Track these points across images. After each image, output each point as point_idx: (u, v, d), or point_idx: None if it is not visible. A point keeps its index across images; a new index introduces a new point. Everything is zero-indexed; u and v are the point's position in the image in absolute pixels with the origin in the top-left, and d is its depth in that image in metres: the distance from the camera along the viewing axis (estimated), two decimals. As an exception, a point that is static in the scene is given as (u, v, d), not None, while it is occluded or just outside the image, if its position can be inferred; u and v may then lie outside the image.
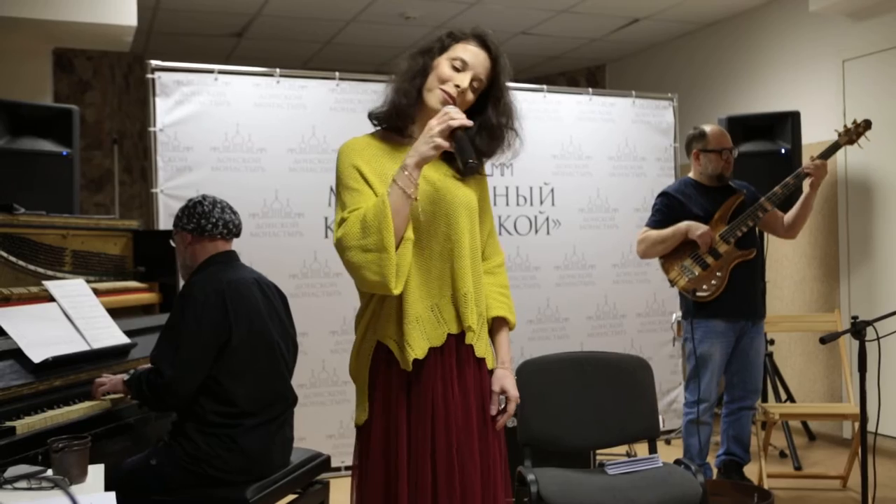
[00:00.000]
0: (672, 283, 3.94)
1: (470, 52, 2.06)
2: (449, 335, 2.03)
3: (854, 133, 3.87)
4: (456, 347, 2.05)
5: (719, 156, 3.90)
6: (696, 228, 3.81)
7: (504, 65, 2.11)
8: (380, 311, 2.03)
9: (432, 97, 2.03)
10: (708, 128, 3.99)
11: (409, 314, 1.99)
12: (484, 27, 2.15)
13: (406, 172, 1.93)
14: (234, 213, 2.91)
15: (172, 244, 2.91)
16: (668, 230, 3.89)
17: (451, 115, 1.94)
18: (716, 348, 3.86)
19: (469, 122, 1.95)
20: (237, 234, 2.91)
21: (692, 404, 3.92)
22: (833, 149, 3.89)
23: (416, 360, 2.00)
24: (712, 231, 3.83)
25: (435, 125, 1.93)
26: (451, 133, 1.94)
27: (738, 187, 3.97)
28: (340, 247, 1.94)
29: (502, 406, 2.12)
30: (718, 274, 3.83)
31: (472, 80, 2.05)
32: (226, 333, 2.64)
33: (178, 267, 2.94)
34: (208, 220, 2.80)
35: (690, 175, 4.06)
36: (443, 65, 2.04)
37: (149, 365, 2.71)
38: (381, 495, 2.01)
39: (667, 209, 3.95)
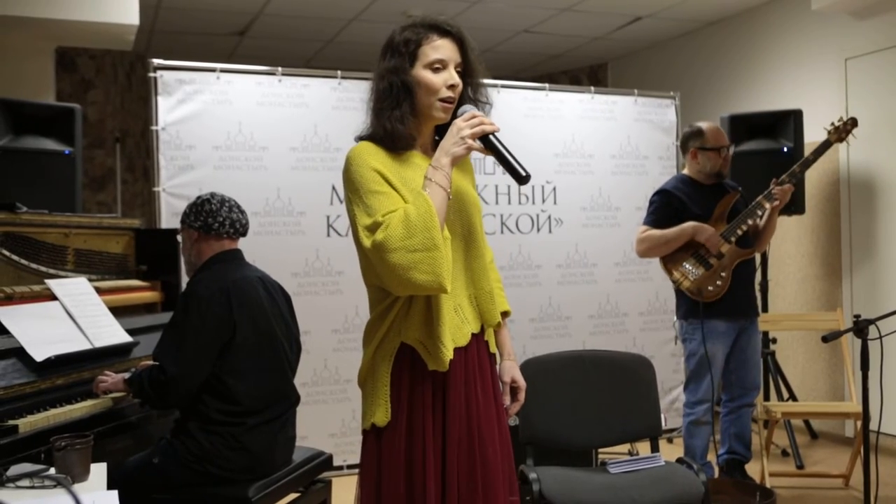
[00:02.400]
0: (676, 283, 3.85)
1: (440, 49, 2.01)
2: (472, 334, 2.05)
3: (843, 131, 3.91)
4: (476, 345, 2.08)
5: (717, 154, 3.88)
6: (704, 231, 3.77)
7: (469, 42, 2.07)
8: (406, 313, 1.99)
9: (436, 111, 2.02)
10: (705, 125, 3.97)
11: (440, 315, 1.97)
12: (439, 14, 2.09)
13: (442, 172, 1.93)
14: (242, 212, 2.90)
15: (179, 240, 2.91)
16: (674, 231, 3.81)
17: (482, 119, 1.95)
18: (718, 348, 3.85)
19: (498, 127, 1.96)
20: (244, 234, 2.90)
21: (692, 405, 3.91)
22: (824, 146, 3.92)
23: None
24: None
25: (465, 127, 1.93)
26: (483, 137, 1.96)
27: (731, 187, 3.97)
28: (383, 249, 1.85)
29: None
30: (723, 274, 3.81)
31: (455, 69, 2.03)
32: (230, 332, 2.65)
33: (182, 263, 2.94)
34: (215, 218, 2.80)
35: (685, 172, 4.02)
36: (424, 75, 2.00)
37: (151, 363, 2.72)
38: (403, 496, 1.97)
39: (666, 208, 3.89)
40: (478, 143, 1.95)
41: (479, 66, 2.10)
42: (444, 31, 2.03)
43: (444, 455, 1.99)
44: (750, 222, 3.82)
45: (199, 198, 2.87)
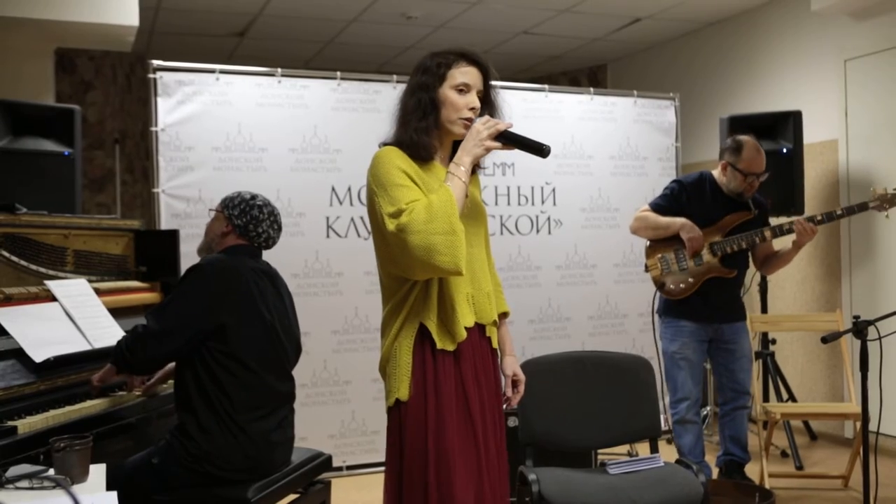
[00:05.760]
0: (647, 268, 3.96)
1: (467, 74, 2.25)
2: (466, 328, 2.22)
3: (888, 202, 3.74)
4: (479, 337, 2.29)
5: (744, 178, 3.81)
6: (690, 230, 3.80)
7: (492, 72, 2.33)
8: (424, 297, 2.19)
9: (457, 128, 2.24)
10: (746, 146, 3.81)
11: (453, 296, 2.20)
12: (468, 44, 2.38)
13: (463, 168, 2.16)
14: (279, 229, 2.92)
15: (210, 212, 2.92)
16: (665, 220, 3.88)
17: (496, 121, 2.20)
18: (687, 346, 3.87)
19: (511, 123, 2.21)
20: (269, 248, 2.93)
21: (674, 405, 3.94)
22: (859, 208, 3.79)
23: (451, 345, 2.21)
24: (705, 238, 3.82)
25: (483, 129, 2.17)
26: (498, 135, 2.19)
27: (757, 202, 3.92)
28: (406, 231, 2.05)
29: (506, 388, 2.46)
30: (691, 279, 3.83)
31: (476, 95, 2.27)
32: (222, 310, 2.62)
33: (200, 243, 2.93)
34: (256, 228, 2.82)
35: (715, 173, 3.97)
36: (450, 95, 2.23)
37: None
38: (425, 465, 2.14)
39: (674, 198, 3.92)
40: (496, 143, 2.18)
41: (497, 96, 2.36)
42: (472, 60, 2.28)
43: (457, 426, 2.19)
44: (744, 245, 3.81)
45: (253, 197, 2.87)
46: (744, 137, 3.89)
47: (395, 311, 2.22)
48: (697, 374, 3.92)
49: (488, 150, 2.19)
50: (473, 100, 2.24)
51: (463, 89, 2.24)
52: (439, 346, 2.18)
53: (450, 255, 2.04)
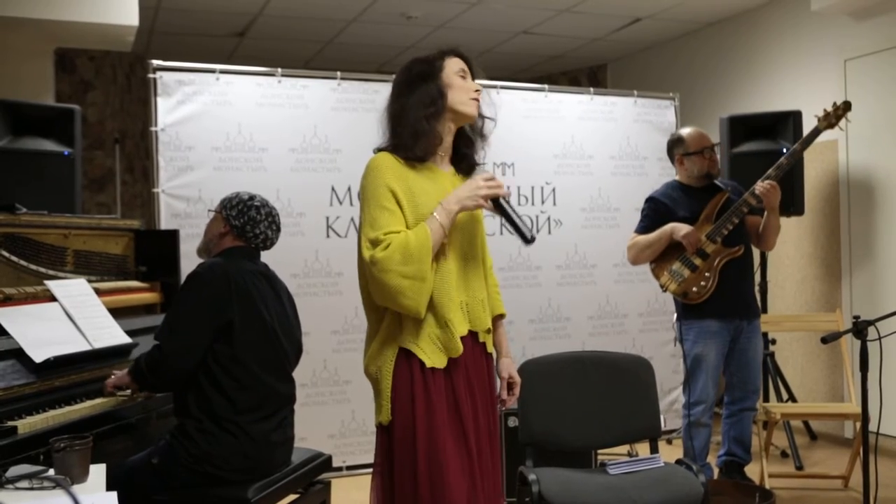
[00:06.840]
0: (663, 287, 3.93)
1: (461, 64, 2.30)
2: (461, 336, 2.20)
3: (833, 116, 3.91)
4: (472, 346, 2.26)
5: (701, 156, 3.92)
6: (680, 229, 3.81)
7: (475, 69, 2.36)
8: (401, 321, 2.18)
9: (468, 108, 2.26)
10: (685, 132, 4.01)
11: (449, 307, 2.18)
12: (460, 43, 2.38)
13: (449, 216, 2.16)
14: (278, 229, 2.92)
15: (209, 213, 2.94)
16: (654, 234, 3.89)
17: (498, 184, 2.21)
18: (710, 349, 3.85)
19: (509, 192, 2.27)
20: (267, 249, 2.93)
21: (689, 406, 3.91)
22: (813, 135, 3.91)
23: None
24: (698, 231, 3.82)
25: (483, 186, 2.19)
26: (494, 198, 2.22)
27: (724, 186, 3.97)
28: (379, 268, 2.08)
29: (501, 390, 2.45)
30: (707, 274, 3.83)
31: None
32: (226, 312, 2.63)
33: (200, 244, 2.94)
34: (253, 229, 2.83)
35: (676, 178, 4.07)
36: (454, 79, 2.25)
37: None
38: (412, 482, 2.13)
39: (654, 214, 3.96)
40: (488, 203, 2.21)
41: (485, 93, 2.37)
42: (459, 55, 2.31)
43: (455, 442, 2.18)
44: (736, 220, 3.82)
45: (251, 198, 2.87)
46: (679, 130, 4.12)
47: (372, 334, 2.24)
48: (716, 377, 3.91)
49: (479, 206, 2.22)
50: (475, 84, 2.28)
51: (464, 76, 2.27)
52: (429, 364, 2.16)
53: (414, 301, 2.08)
